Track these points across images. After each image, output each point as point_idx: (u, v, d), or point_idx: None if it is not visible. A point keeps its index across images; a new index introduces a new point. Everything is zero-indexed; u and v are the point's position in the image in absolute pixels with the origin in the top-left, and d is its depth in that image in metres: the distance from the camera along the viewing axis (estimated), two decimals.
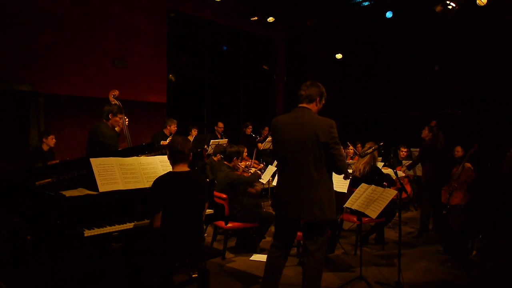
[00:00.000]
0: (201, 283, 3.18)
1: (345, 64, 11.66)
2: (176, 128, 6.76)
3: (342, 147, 3.08)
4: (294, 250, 4.60)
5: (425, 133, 6.00)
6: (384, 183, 6.46)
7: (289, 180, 3.09)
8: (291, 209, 3.06)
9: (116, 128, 4.99)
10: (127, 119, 5.07)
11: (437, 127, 6.05)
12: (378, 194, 3.97)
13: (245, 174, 6.00)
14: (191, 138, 7.14)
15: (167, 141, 6.11)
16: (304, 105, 3.12)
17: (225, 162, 5.13)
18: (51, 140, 5.98)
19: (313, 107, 3.12)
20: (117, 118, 4.85)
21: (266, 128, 9.01)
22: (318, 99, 3.12)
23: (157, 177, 3.04)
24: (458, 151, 6.27)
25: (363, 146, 5.64)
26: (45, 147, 5.97)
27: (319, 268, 3.12)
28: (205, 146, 6.76)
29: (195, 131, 7.43)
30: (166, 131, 6.72)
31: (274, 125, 3.20)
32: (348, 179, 3.47)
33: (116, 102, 5.09)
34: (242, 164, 5.99)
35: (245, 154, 6.38)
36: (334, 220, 3.09)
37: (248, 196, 4.94)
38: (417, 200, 7.46)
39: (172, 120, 6.80)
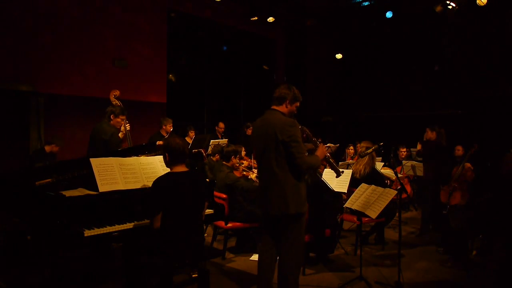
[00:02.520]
0: (201, 283, 3.18)
1: (345, 64, 11.65)
2: (172, 128, 6.74)
3: (303, 144, 3.15)
4: None
5: (429, 134, 6.00)
6: (386, 181, 6.46)
7: (260, 178, 3.36)
8: (263, 204, 3.26)
9: (119, 134, 5.00)
10: (128, 124, 5.08)
11: (438, 125, 6.07)
12: (378, 194, 3.97)
13: (246, 174, 6.01)
14: (189, 140, 7.11)
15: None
16: (274, 107, 3.29)
17: (224, 162, 5.13)
18: (55, 148, 5.99)
19: (283, 109, 3.27)
20: (119, 119, 4.88)
21: None
22: (287, 101, 3.25)
23: (157, 177, 3.04)
24: (459, 149, 6.28)
25: None
26: (47, 149, 5.96)
27: (293, 264, 3.20)
28: (203, 150, 6.75)
29: (192, 132, 7.41)
30: (163, 131, 6.70)
31: (253, 127, 3.41)
32: (339, 176, 3.54)
33: (117, 102, 5.09)
34: (243, 164, 5.98)
35: (243, 153, 6.37)
36: (299, 214, 3.16)
37: (248, 201, 4.89)
38: (417, 200, 7.47)
39: (168, 120, 6.78)
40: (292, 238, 3.20)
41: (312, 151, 3.41)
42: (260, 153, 3.26)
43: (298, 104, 3.32)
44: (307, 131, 3.43)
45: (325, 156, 3.38)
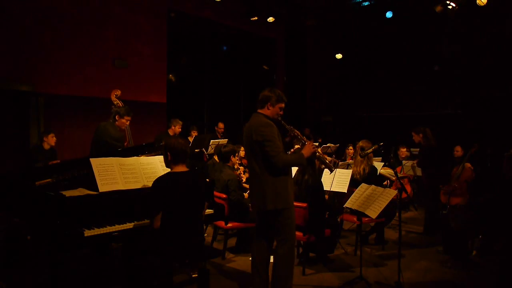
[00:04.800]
0: (201, 283, 3.18)
1: (345, 64, 11.66)
2: (180, 129, 6.75)
3: (278, 143, 3.23)
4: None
5: (416, 137, 6.02)
6: (384, 182, 6.47)
7: (249, 176, 3.55)
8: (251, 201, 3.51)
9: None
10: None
11: (423, 126, 6.07)
12: (378, 194, 3.97)
13: (247, 175, 6.01)
14: (191, 139, 7.12)
15: None
16: (258, 110, 3.40)
17: (224, 163, 5.11)
18: (51, 139, 5.96)
19: (266, 111, 3.36)
20: (124, 120, 4.80)
21: None
22: (269, 103, 3.34)
23: (157, 177, 3.04)
24: (458, 150, 6.27)
25: None
26: (46, 146, 5.96)
27: (283, 262, 3.29)
28: (203, 149, 6.75)
29: (194, 132, 7.42)
30: (171, 131, 6.70)
31: None
32: (332, 171, 3.59)
33: (118, 102, 5.07)
34: (241, 167, 5.98)
35: (243, 153, 6.37)
36: (277, 210, 3.26)
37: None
38: (417, 200, 7.46)
39: (177, 121, 6.77)
40: (280, 234, 3.30)
41: (301, 149, 3.46)
42: (245, 153, 3.52)
43: (282, 105, 3.39)
44: (295, 130, 3.50)
45: (313, 153, 3.40)
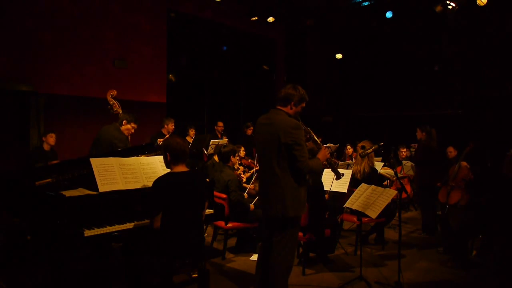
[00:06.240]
0: (201, 283, 3.18)
1: (345, 64, 11.66)
2: (173, 127, 6.76)
3: (305, 148, 3.11)
4: None
5: (419, 135, 6.02)
6: (384, 182, 6.47)
7: (261, 178, 3.33)
8: (263, 205, 3.28)
9: None
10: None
11: (429, 125, 6.07)
12: (378, 194, 3.97)
13: (247, 175, 6.01)
14: (189, 139, 7.12)
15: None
16: (279, 107, 3.23)
17: (223, 163, 5.12)
18: (50, 138, 5.96)
19: (288, 110, 3.21)
20: (130, 126, 4.95)
21: None
22: (292, 103, 3.18)
23: (157, 177, 3.03)
24: (451, 151, 6.27)
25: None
26: (46, 147, 5.96)
27: (279, 269, 3.17)
28: (203, 149, 6.75)
29: (192, 131, 7.42)
30: (164, 131, 6.72)
31: (255, 125, 3.40)
32: (339, 178, 3.54)
33: (114, 102, 5.10)
34: (241, 167, 5.99)
35: (243, 153, 6.37)
36: (296, 217, 3.17)
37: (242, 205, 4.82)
38: (417, 200, 7.47)
39: (170, 119, 6.79)
40: (286, 240, 3.19)
41: (313, 151, 3.40)
42: (262, 153, 3.25)
43: (304, 104, 3.25)
44: (312, 132, 3.39)
45: (327, 158, 3.36)
